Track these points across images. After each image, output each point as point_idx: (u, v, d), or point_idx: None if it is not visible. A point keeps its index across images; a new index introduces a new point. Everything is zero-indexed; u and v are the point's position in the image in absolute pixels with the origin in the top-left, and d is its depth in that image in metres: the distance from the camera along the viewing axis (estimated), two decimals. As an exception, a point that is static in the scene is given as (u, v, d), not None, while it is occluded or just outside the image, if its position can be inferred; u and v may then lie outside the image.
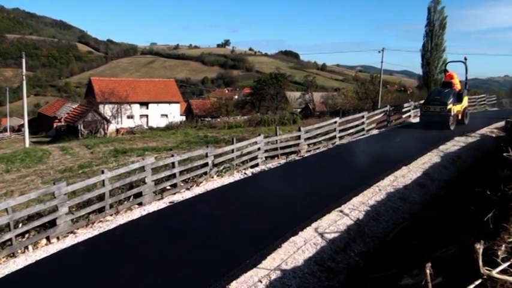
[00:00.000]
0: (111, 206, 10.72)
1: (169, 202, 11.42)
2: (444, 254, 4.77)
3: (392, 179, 11.81)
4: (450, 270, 4.00)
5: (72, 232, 9.79)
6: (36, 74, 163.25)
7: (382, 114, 22.47)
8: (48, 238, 9.44)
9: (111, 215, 10.63)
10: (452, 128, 19.37)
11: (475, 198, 6.85)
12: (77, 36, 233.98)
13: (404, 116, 23.71)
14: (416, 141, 16.73)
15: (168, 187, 12.28)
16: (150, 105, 56.01)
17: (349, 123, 20.15)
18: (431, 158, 14.13)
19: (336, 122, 18.97)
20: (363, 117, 20.70)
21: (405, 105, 24.40)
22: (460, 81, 21.65)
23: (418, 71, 46.90)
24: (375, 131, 20.91)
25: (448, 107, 19.43)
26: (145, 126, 48.88)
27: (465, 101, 21.22)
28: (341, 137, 19.11)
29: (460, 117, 20.61)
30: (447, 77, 21.66)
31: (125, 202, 11.12)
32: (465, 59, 21.90)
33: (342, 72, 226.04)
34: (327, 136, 18.49)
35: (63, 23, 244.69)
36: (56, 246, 9.01)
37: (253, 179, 13.36)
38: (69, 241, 9.22)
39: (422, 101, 22.93)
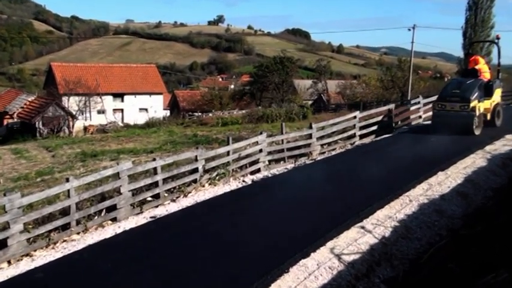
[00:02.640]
0: (78, 223, 10.69)
1: (151, 217, 11.40)
2: (493, 280, 4.75)
3: (426, 187, 11.79)
4: (500, 301, 3.99)
5: (28, 255, 9.75)
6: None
7: (414, 107, 22.38)
8: (-3, 262, 9.41)
9: (78, 233, 10.61)
10: (477, 132, 17.91)
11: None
12: (32, 11, 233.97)
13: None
14: (455, 141, 16.70)
15: (149, 198, 12.27)
16: (125, 97, 56.08)
17: (372, 118, 20.14)
18: (475, 161, 14.11)
19: (355, 117, 18.95)
20: (389, 111, 20.66)
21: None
22: (489, 69, 20.39)
23: (458, 53, 46.77)
24: (404, 128, 20.88)
25: (472, 104, 17.67)
26: (120, 123, 49.02)
27: (497, 95, 19.66)
28: (362, 136, 19.10)
29: (489, 117, 19.11)
30: (471, 62, 20.15)
31: (95, 217, 11.10)
32: (497, 38, 21.47)
33: (363, 55, 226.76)
34: (345, 135, 18.49)
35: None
36: (6, 273, 8.96)
37: (254, 187, 13.34)
38: (24, 266, 9.18)
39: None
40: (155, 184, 12.37)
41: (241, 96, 61.97)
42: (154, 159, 12.71)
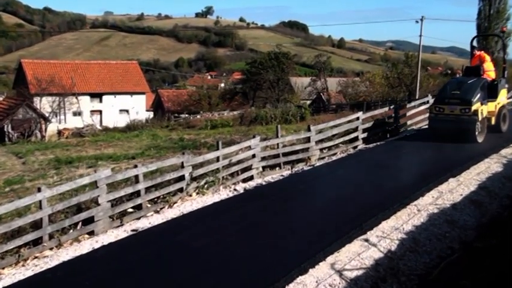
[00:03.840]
0: (51, 237, 10.65)
1: (132, 230, 11.37)
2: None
3: (436, 195, 11.84)
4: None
5: (-4, 273, 9.71)
6: None
7: (422, 108, 22.43)
8: (-38, 282, 9.35)
9: (51, 249, 10.57)
10: (480, 139, 17.34)
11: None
12: (0, 3, 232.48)
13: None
14: (467, 144, 16.78)
15: (130, 209, 12.23)
16: (104, 97, 56.01)
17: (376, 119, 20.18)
18: (489, 166, 14.20)
19: (358, 119, 19.00)
20: (395, 111, 20.71)
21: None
22: (494, 67, 19.90)
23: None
24: (411, 130, 20.93)
25: (474, 107, 16.97)
26: (99, 127, 48.86)
27: (502, 96, 19.21)
28: (365, 139, 19.15)
29: (493, 121, 18.54)
30: (474, 59, 19.51)
31: (71, 231, 11.06)
32: (502, 31, 21.20)
33: (366, 50, 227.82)
34: (347, 138, 18.51)
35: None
36: (-29, 294, 8.92)
37: (246, 197, 13.33)
38: (-8, 286, 9.14)
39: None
40: (137, 194, 12.33)
41: (232, 95, 62.04)
42: (135, 166, 12.66)
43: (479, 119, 17.28)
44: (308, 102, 56.26)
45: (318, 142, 17.32)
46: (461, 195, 11.89)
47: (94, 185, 11.58)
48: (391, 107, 22.19)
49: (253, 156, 15.33)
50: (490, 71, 18.98)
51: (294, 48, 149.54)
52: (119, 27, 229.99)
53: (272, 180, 14.91)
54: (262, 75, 56.97)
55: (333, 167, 15.95)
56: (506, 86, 20.09)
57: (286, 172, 15.89)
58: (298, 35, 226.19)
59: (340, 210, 11.10)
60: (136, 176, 12.38)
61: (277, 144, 16.40)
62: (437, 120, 17.82)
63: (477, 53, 19.73)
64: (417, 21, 50.65)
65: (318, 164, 16.52)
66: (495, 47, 39.98)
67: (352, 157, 17.33)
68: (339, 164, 16.36)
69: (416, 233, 9.77)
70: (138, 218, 12.12)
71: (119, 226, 11.69)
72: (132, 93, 57.50)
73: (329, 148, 17.86)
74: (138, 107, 57.43)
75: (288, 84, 60.92)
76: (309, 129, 17.21)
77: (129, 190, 12.20)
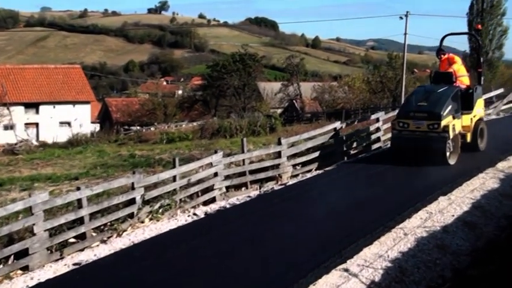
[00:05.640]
0: (-23, 274, 10.47)
1: (74, 264, 11.21)
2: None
3: (425, 216, 11.93)
4: None
5: None
6: None
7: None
8: None
9: (-23, 289, 10.39)
10: (452, 161, 16.46)
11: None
12: None
13: None
14: (459, 157, 16.99)
15: (72, 239, 12.10)
16: (41, 107, 55.48)
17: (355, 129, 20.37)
18: (484, 182, 14.37)
19: (335, 129, 19.12)
20: (377, 120, 20.88)
21: None
22: (468, 71, 19.00)
23: (463, 46, 47.65)
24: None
25: (443, 122, 16.06)
26: (35, 142, 48.21)
27: (479, 107, 18.57)
28: (343, 153, 19.26)
29: (469, 138, 17.72)
30: (443, 63, 18.71)
31: (1, 266, 10.88)
32: (477, 29, 21.10)
33: (345, 50, 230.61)
34: (323, 152, 18.58)
35: None
36: None
37: (208, 222, 13.29)
38: None
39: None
40: (80, 221, 12.18)
41: (191, 104, 62.08)
42: (78, 189, 12.52)
43: (451, 136, 16.34)
44: (279, 110, 56.60)
45: (290, 157, 17.39)
46: (453, 216, 11.99)
47: (29, 211, 11.40)
48: (348, 121, 22.25)
49: (216, 174, 15.32)
50: (462, 76, 18.11)
51: (262, 49, 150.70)
52: (59, 26, 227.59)
53: (237, 202, 14.89)
54: (226, 80, 57.12)
55: (307, 186, 15.97)
56: (500, 90, 20.27)
57: (253, 192, 15.90)
58: (267, 33, 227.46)
59: (316, 236, 11.12)
60: (79, 200, 12.25)
61: (243, 160, 16.43)
62: (401, 138, 16.93)
63: (445, 54, 18.81)
64: (401, 18, 51.43)
65: (290, 183, 16.55)
66: (489, 46, 40.75)
67: (329, 174, 17.34)
68: (314, 183, 16.39)
69: (403, 260, 9.83)
70: (82, 250, 11.96)
71: (58, 259, 11.52)
72: (74, 103, 57.04)
73: (303, 164, 17.93)
74: (82, 119, 56.93)
75: (256, 91, 61.18)
76: (279, 143, 17.26)
77: (71, 217, 12.06)
